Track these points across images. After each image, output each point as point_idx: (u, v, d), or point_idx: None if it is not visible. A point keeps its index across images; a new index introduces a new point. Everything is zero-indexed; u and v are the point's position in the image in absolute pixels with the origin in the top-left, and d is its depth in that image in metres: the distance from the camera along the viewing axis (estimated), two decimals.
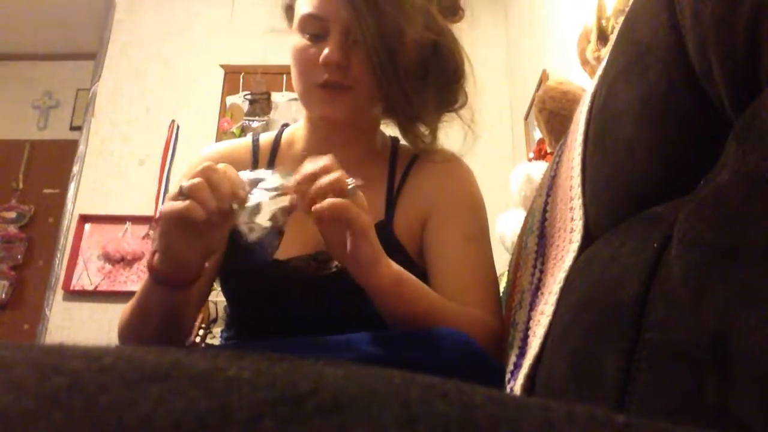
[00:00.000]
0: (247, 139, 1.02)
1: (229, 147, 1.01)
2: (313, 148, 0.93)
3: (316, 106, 0.89)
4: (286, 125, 1.04)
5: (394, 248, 0.87)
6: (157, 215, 0.68)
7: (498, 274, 1.84)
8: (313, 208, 0.65)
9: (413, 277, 0.79)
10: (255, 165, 0.97)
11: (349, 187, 0.67)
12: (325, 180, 0.66)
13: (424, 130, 0.94)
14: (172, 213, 0.64)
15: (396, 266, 0.76)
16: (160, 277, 0.71)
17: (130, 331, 0.81)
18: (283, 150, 0.99)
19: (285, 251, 0.87)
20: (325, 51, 0.83)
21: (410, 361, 0.66)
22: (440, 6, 0.90)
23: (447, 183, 0.96)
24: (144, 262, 3.18)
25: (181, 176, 0.97)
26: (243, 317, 0.95)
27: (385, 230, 0.89)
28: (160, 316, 0.76)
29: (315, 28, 0.86)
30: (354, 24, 0.82)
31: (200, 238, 0.67)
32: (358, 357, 0.66)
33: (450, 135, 0.98)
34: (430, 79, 0.90)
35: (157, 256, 0.70)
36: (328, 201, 0.65)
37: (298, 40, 0.88)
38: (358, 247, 0.69)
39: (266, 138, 1.02)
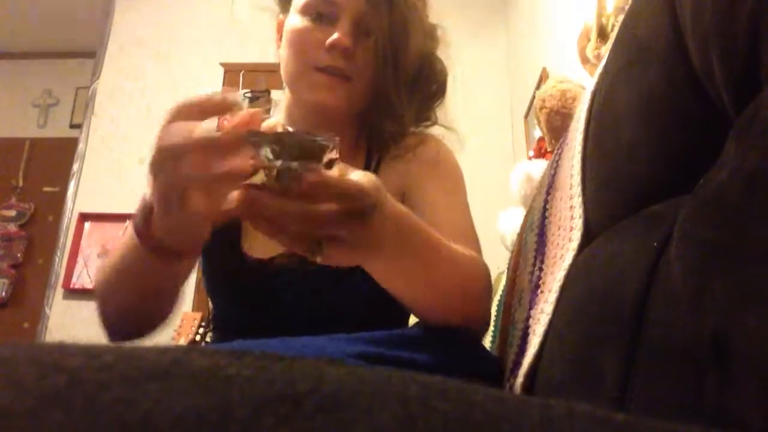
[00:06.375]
0: None
1: None
2: None
3: (311, 89, 0.85)
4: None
5: None
6: (156, 156, 0.53)
7: (497, 273, 1.85)
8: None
9: (410, 223, 0.65)
10: None
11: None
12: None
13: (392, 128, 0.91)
14: (183, 146, 0.50)
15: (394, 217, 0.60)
16: (157, 247, 0.60)
17: (111, 294, 0.74)
18: None
19: (265, 251, 0.87)
20: (335, 35, 0.81)
21: (407, 362, 0.66)
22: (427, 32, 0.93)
23: (420, 152, 0.92)
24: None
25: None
26: (229, 319, 0.93)
27: None
28: (148, 286, 0.68)
29: (323, 11, 0.84)
30: (365, 15, 0.82)
31: (215, 191, 0.53)
32: (356, 355, 0.65)
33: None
34: (416, 92, 0.91)
35: (155, 219, 0.58)
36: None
37: (299, 20, 0.86)
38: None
39: None
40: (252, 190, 0.48)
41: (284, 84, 0.92)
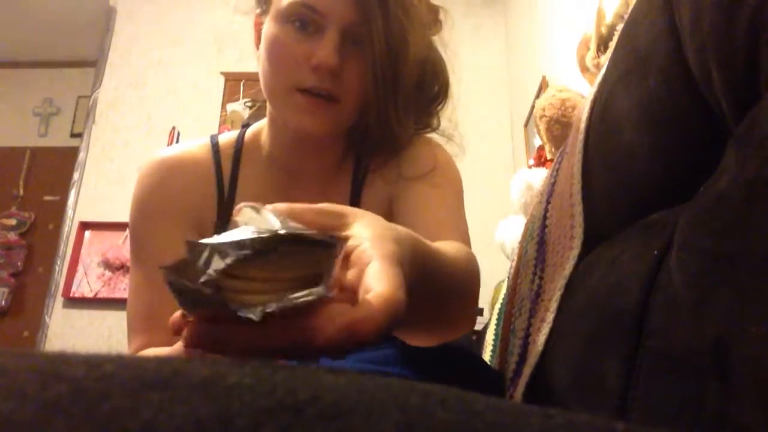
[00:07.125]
0: (205, 140, 0.88)
1: (188, 151, 0.87)
2: (278, 155, 0.86)
3: (293, 114, 0.76)
4: (247, 125, 0.92)
5: None
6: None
7: (498, 282, 1.85)
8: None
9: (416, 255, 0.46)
10: (218, 167, 0.86)
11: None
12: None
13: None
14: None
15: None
16: None
17: None
18: (246, 153, 0.88)
19: None
20: (320, 52, 0.72)
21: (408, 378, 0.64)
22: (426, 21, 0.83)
23: (413, 157, 0.86)
24: None
25: (141, 187, 0.90)
26: None
27: None
28: None
29: (307, 19, 0.74)
30: (355, 26, 0.73)
31: None
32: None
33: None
34: (415, 99, 0.83)
35: None
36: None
37: (279, 29, 0.75)
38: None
39: (227, 138, 0.89)
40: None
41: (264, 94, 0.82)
